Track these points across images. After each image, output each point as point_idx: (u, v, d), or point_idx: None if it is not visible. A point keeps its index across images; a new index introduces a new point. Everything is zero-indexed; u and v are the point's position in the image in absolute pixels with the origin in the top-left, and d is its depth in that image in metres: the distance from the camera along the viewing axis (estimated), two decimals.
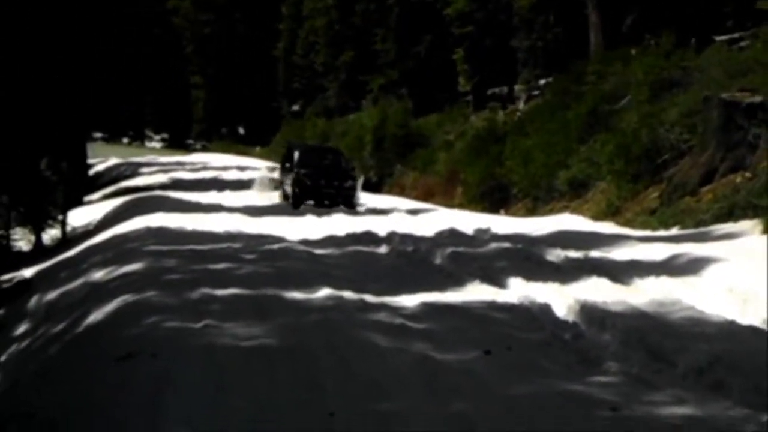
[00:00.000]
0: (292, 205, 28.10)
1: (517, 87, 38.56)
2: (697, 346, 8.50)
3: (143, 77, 71.42)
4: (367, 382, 7.83)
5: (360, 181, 31.29)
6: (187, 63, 73.74)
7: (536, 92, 36.07)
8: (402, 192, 37.43)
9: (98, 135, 66.21)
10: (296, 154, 29.93)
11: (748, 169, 17.89)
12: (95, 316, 11.24)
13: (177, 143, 73.37)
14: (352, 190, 28.99)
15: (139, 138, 77.61)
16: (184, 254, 15.42)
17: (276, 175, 35.80)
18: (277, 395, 7.56)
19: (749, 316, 9.93)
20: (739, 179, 17.93)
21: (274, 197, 32.13)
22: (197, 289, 11.84)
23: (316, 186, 28.42)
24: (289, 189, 29.48)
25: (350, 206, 27.87)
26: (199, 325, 9.70)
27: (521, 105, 36.21)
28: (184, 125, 74.45)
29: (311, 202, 28.46)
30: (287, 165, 30.21)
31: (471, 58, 40.08)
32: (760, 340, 8.93)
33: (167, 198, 28.82)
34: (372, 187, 37.31)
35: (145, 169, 46.85)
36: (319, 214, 24.84)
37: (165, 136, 77.57)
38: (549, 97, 31.86)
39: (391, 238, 17.68)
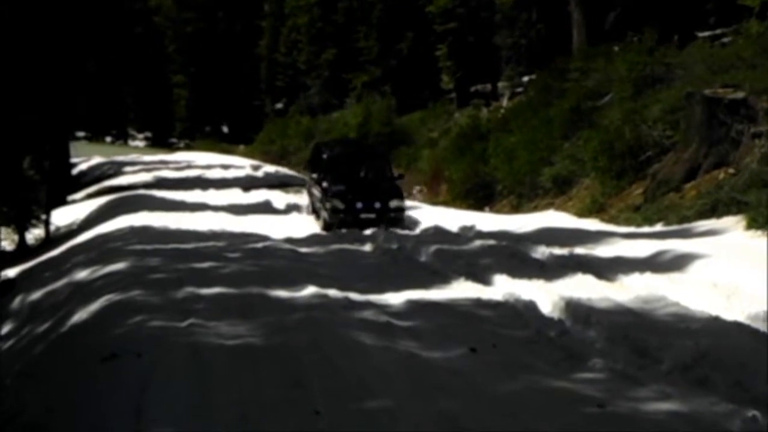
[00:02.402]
0: (325, 227, 21.21)
1: (500, 84, 38.58)
2: (681, 342, 8.53)
3: (126, 76, 71.33)
4: (353, 380, 7.83)
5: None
6: (169, 61, 73.42)
7: (520, 89, 36.09)
8: None
9: (81, 134, 66.03)
10: (324, 159, 22.81)
11: (731, 165, 17.94)
12: (79, 315, 11.20)
13: (160, 142, 73.02)
14: (400, 212, 21.42)
15: (122, 137, 77.31)
16: (168, 253, 15.39)
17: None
18: (263, 394, 7.55)
19: (733, 311, 9.96)
20: (722, 175, 17.98)
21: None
22: (182, 288, 11.83)
23: (351, 211, 21.06)
24: (318, 205, 22.46)
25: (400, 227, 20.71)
26: (184, 324, 9.69)
27: (505, 102, 36.22)
28: (167, 124, 74.13)
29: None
30: (315, 176, 23.00)
31: (454, 55, 40.06)
32: (745, 336, 8.96)
33: (151, 197, 28.71)
34: None
35: (128, 168, 46.64)
36: (304, 213, 24.81)
37: (148, 134, 77.22)
38: (532, 94, 31.87)
39: (376, 235, 17.69)
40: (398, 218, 21.09)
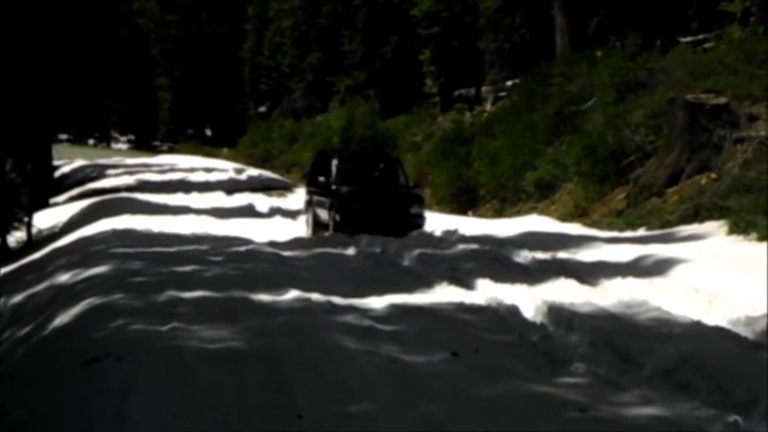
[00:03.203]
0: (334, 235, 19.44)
1: (483, 88, 38.67)
2: (663, 346, 8.55)
3: (109, 79, 71.18)
4: (336, 384, 7.82)
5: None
6: (153, 64, 73.45)
7: (503, 94, 36.18)
8: None
9: (64, 137, 65.95)
10: (334, 165, 21.07)
11: (713, 170, 18.03)
12: (61, 319, 11.16)
13: (143, 145, 73.00)
14: (420, 219, 20.10)
15: (105, 139, 77.21)
16: (150, 256, 15.34)
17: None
18: (245, 398, 7.53)
19: (715, 316, 9.99)
20: (704, 180, 18.06)
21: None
22: (164, 291, 11.79)
23: (367, 212, 19.62)
24: (324, 215, 20.58)
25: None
26: (166, 327, 9.65)
27: (488, 106, 36.30)
28: (150, 127, 74.13)
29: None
30: (321, 180, 21.00)
31: (438, 60, 40.16)
32: (726, 341, 9.00)
33: (134, 200, 28.66)
34: None
35: (111, 171, 46.54)
36: (287, 216, 24.81)
37: (131, 137, 77.19)
38: (515, 98, 31.96)
39: (359, 239, 17.68)
40: (416, 225, 19.67)
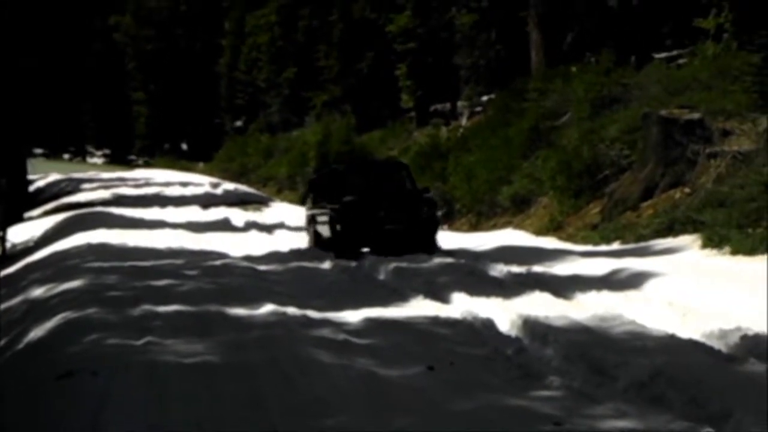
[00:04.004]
0: (335, 253, 17.67)
1: (459, 103, 38.75)
2: (638, 360, 8.58)
3: (84, 93, 71.04)
4: (311, 398, 7.81)
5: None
6: (129, 79, 73.21)
7: (479, 109, 36.26)
8: None
9: (39, 151, 65.67)
10: (337, 175, 19.81)
11: (687, 184, 18.13)
12: (35, 333, 11.10)
13: (119, 159, 72.73)
14: (433, 225, 18.18)
15: (80, 154, 76.91)
16: (125, 271, 15.30)
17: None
18: (220, 413, 7.52)
19: (689, 329, 10.03)
20: (678, 195, 18.16)
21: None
22: (139, 305, 11.76)
23: (372, 220, 17.70)
24: (325, 229, 18.83)
25: (431, 250, 17.31)
26: (141, 342, 9.63)
27: (464, 121, 36.37)
28: (126, 141, 73.85)
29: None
30: (324, 191, 19.62)
31: (414, 75, 40.25)
32: (700, 354, 9.04)
33: (109, 214, 28.55)
34: None
35: (86, 185, 46.32)
36: (263, 230, 24.77)
37: (107, 151, 76.86)
38: (491, 113, 32.04)
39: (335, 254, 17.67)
40: (428, 232, 17.76)
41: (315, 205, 20.02)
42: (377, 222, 17.58)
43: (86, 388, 8.22)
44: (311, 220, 20.13)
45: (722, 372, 8.40)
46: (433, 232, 17.94)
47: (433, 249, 17.32)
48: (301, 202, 21.67)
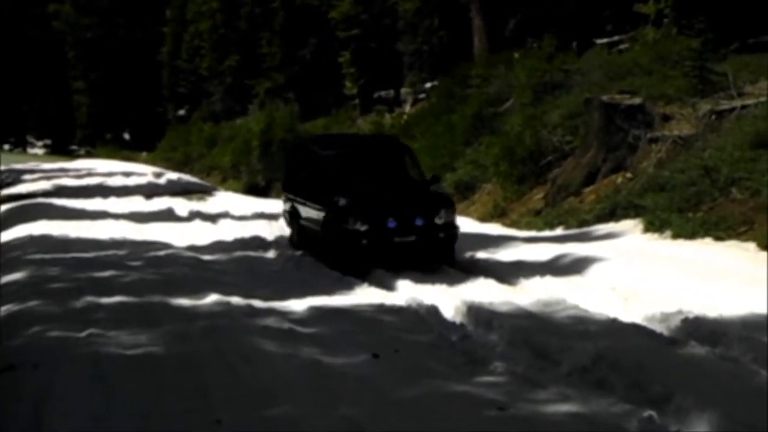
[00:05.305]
0: (341, 272, 13.95)
1: (403, 90, 38.78)
2: (581, 344, 8.67)
3: (23, 82, 70.08)
4: (255, 388, 7.81)
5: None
6: (69, 68, 72.29)
7: (422, 95, 36.30)
8: None
9: None
10: (322, 160, 15.71)
11: (628, 169, 18.27)
12: None
13: (60, 149, 71.84)
14: (451, 232, 14.48)
15: (20, 144, 75.91)
16: (68, 262, 15.16)
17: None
18: (164, 404, 7.49)
19: (631, 313, 10.14)
20: (620, 180, 18.30)
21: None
22: (81, 297, 11.68)
23: (378, 231, 14.13)
24: (315, 231, 15.36)
25: (450, 261, 14.28)
26: (84, 334, 9.56)
27: (407, 108, 36.40)
28: (67, 131, 72.94)
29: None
30: (307, 181, 16.04)
31: (357, 62, 40.19)
32: (642, 337, 9.14)
33: (51, 205, 28.21)
34: (260, 192, 37.10)
35: (27, 176, 45.71)
36: (207, 220, 24.64)
37: (48, 142, 75.91)
38: (434, 100, 32.07)
39: (280, 242, 17.62)
40: (448, 239, 14.36)
41: (297, 195, 16.39)
42: (384, 234, 14.14)
43: (28, 382, 8.15)
44: (293, 215, 16.59)
45: (664, 355, 8.52)
46: (452, 240, 14.48)
47: (453, 261, 14.30)
48: (283, 188, 17.57)
